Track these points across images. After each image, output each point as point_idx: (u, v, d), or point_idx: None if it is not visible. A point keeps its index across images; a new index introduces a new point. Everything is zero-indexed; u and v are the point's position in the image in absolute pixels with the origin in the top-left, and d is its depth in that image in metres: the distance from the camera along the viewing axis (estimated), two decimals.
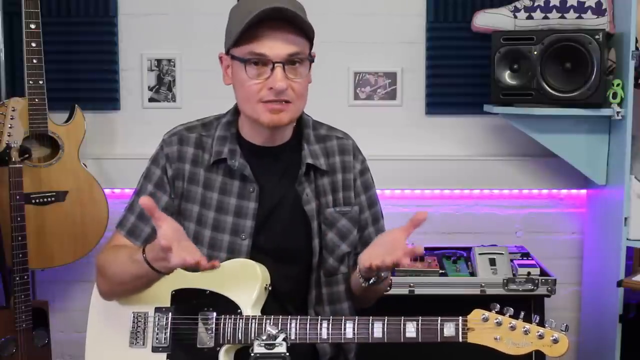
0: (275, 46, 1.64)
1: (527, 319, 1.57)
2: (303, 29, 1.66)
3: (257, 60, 1.66)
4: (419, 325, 1.59)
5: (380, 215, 1.93)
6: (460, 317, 1.58)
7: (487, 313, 1.57)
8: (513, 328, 1.55)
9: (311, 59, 1.72)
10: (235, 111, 1.83)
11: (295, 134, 1.83)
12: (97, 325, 1.77)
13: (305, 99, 1.74)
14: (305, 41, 1.69)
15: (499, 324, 1.55)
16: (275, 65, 1.64)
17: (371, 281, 1.72)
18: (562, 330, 1.55)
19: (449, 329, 1.57)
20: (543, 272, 2.78)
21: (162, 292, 1.71)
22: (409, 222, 1.63)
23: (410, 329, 1.59)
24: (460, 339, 1.57)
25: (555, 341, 1.53)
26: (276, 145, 1.80)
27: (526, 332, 1.54)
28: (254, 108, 1.69)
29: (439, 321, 1.58)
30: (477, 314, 1.57)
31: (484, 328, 1.56)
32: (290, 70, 1.67)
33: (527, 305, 2.73)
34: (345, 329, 1.62)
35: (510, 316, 1.56)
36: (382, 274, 1.71)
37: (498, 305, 1.57)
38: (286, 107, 1.68)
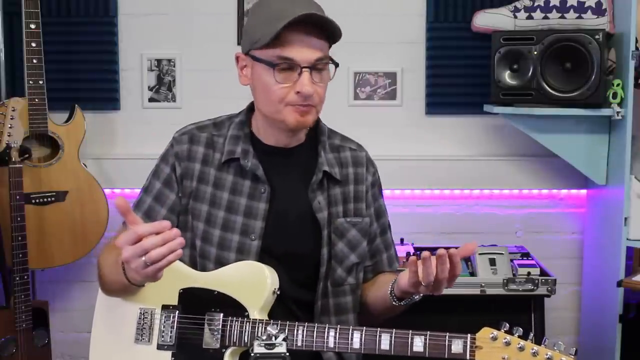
0: (304, 51, 1.64)
1: (536, 340, 1.54)
2: (330, 32, 1.67)
3: (286, 65, 1.65)
4: (427, 340, 1.57)
5: (388, 227, 1.93)
6: (469, 335, 1.55)
7: (495, 332, 1.54)
8: (522, 349, 1.52)
9: (336, 63, 1.72)
10: (249, 111, 1.83)
11: (308, 138, 1.82)
12: (104, 320, 1.77)
13: (324, 102, 1.75)
14: (327, 44, 1.70)
15: (507, 343, 1.53)
16: (303, 70, 1.64)
17: (403, 302, 1.71)
18: (570, 354, 1.52)
19: (456, 346, 1.55)
20: (543, 272, 2.78)
21: (169, 290, 1.70)
22: (460, 250, 1.57)
23: (418, 343, 1.57)
24: (468, 357, 1.54)
25: None
26: (290, 147, 1.79)
27: (534, 354, 1.51)
28: (279, 110, 1.68)
29: (447, 337, 1.56)
30: (485, 332, 1.55)
31: (492, 347, 1.53)
32: (316, 75, 1.67)
33: (527, 305, 2.74)
34: (352, 338, 1.61)
35: (519, 336, 1.54)
36: (416, 297, 1.70)
37: (507, 325, 1.55)
38: (311, 109, 1.69)
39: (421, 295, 1.68)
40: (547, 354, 1.51)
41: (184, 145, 1.80)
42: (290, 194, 1.78)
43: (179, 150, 1.80)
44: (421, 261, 1.56)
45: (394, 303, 1.72)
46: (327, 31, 1.67)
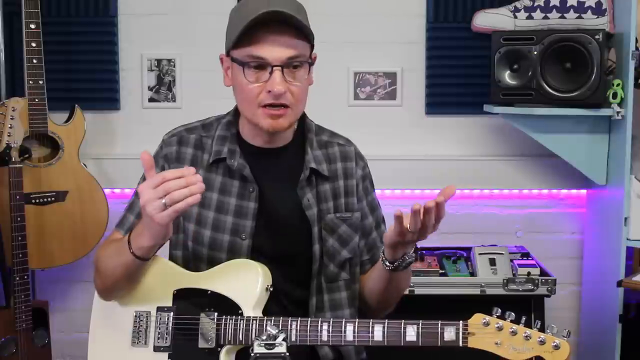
0: (274, 49, 1.63)
1: (528, 324, 1.54)
2: (302, 32, 1.65)
3: (256, 64, 1.65)
4: (419, 328, 1.57)
5: (382, 220, 1.92)
6: (461, 322, 1.55)
7: (487, 317, 1.54)
8: (514, 333, 1.52)
9: (311, 62, 1.71)
10: (236, 111, 1.83)
11: (296, 136, 1.82)
12: (100, 324, 1.77)
13: (304, 102, 1.74)
14: (305, 44, 1.68)
15: (499, 328, 1.53)
16: (274, 68, 1.63)
17: (396, 263, 1.67)
18: (563, 337, 1.52)
19: (449, 333, 1.55)
20: (543, 272, 2.78)
21: (163, 292, 1.70)
22: (440, 194, 1.56)
23: (411, 333, 1.58)
24: (461, 344, 1.54)
25: (557, 347, 1.50)
26: (276, 147, 1.79)
27: (527, 338, 1.52)
28: (254, 112, 1.68)
29: (439, 325, 1.56)
30: (477, 319, 1.54)
31: (484, 333, 1.53)
32: (289, 74, 1.66)
33: (527, 305, 2.74)
34: (345, 331, 1.61)
35: (511, 321, 1.54)
36: (407, 257, 1.67)
37: (499, 310, 1.55)
38: (285, 111, 1.67)
39: (413, 256, 1.67)
40: (539, 337, 1.52)
41: (172, 147, 1.81)
42: (279, 193, 1.78)
43: (168, 152, 1.81)
44: (411, 214, 1.54)
45: (386, 268, 1.68)
46: (299, 30, 1.65)
